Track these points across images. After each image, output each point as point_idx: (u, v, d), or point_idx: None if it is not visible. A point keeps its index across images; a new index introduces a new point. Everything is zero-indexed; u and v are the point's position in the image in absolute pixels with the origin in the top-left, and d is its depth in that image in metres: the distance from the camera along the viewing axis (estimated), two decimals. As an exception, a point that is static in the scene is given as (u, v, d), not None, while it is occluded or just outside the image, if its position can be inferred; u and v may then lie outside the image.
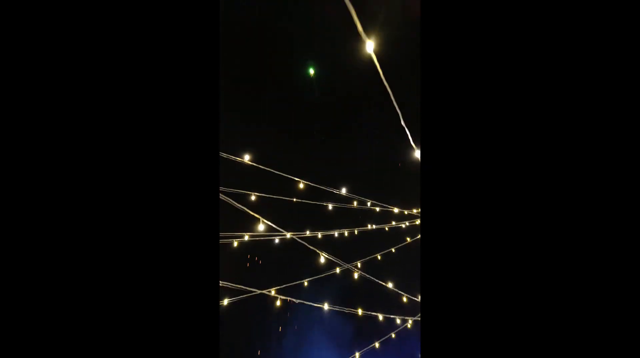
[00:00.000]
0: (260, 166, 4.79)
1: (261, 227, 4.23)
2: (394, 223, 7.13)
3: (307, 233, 6.23)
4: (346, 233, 6.98)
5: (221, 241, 5.39)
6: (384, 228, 7.11)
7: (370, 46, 2.01)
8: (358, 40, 1.98)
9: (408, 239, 7.42)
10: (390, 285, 6.02)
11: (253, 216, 4.60)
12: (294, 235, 6.04)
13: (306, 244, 4.21)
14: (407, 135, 2.99)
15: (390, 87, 2.49)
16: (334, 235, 6.82)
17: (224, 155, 4.50)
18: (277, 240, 5.45)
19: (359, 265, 6.35)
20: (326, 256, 4.72)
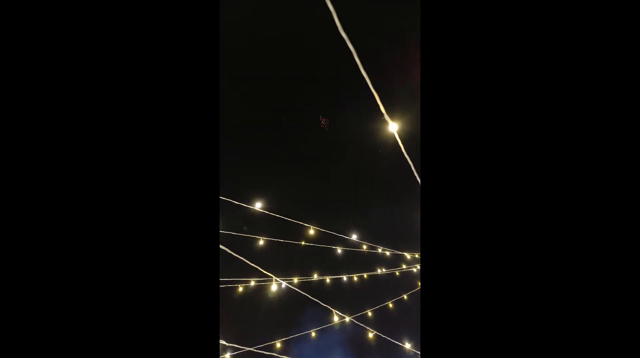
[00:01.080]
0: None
1: (274, 286, 4.08)
2: (404, 266, 6.91)
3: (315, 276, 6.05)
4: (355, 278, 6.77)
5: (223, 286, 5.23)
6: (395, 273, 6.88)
7: (393, 127, 1.93)
8: (382, 121, 1.91)
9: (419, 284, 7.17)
10: (407, 345, 5.73)
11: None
12: (300, 279, 5.86)
13: (319, 301, 4.03)
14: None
15: (411, 159, 2.41)
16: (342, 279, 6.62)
17: (235, 202, 4.40)
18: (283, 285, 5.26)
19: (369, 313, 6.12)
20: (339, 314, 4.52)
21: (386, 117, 1.87)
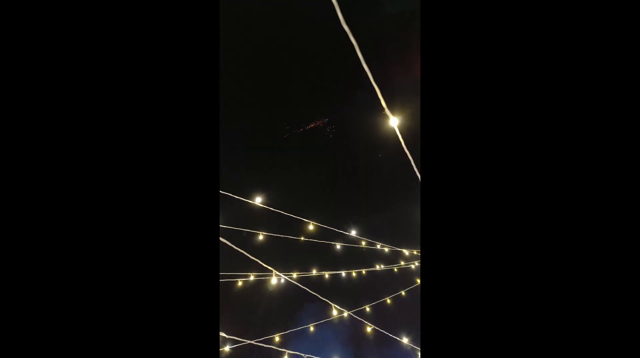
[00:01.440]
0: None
1: (274, 280, 4.10)
2: (402, 263, 6.94)
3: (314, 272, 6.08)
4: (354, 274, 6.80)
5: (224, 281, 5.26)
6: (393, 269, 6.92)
7: (394, 121, 1.95)
8: (382, 115, 1.93)
9: (418, 281, 7.20)
10: (405, 339, 5.77)
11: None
12: (299, 274, 5.89)
13: (319, 296, 4.06)
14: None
15: (411, 154, 2.43)
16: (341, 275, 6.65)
17: (236, 197, 4.41)
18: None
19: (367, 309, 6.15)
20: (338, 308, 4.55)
21: (387, 111, 1.88)
